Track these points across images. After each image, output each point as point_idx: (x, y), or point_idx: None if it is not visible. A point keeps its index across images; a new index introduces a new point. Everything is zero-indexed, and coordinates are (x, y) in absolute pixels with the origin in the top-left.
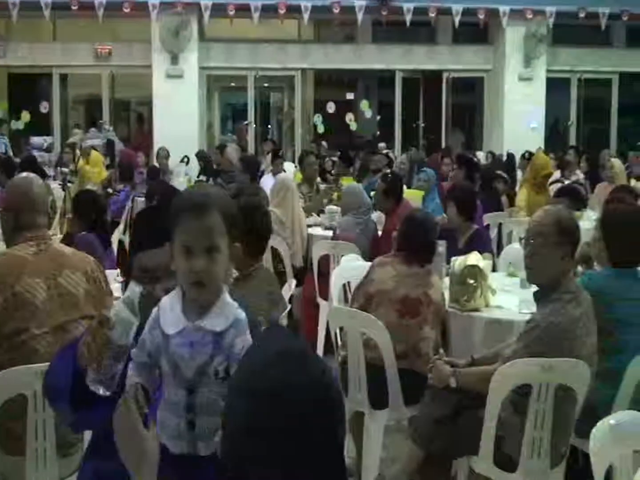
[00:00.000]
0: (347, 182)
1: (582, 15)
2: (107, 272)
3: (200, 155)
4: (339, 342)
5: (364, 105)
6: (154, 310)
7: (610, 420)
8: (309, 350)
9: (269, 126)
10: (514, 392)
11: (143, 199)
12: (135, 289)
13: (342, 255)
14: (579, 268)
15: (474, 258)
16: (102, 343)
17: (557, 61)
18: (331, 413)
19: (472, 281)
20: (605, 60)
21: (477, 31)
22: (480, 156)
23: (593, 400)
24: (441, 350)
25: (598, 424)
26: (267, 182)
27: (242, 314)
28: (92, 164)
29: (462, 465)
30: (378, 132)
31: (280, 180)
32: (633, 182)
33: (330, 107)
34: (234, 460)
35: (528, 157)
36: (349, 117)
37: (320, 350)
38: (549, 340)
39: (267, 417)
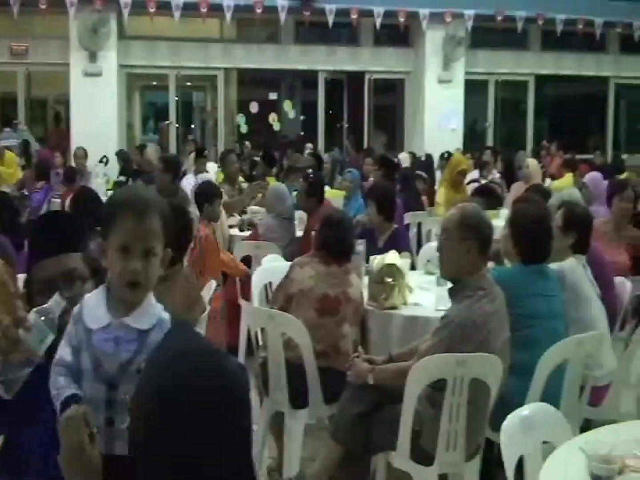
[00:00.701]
0: (272, 183)
1: (499, 18)
2: (20, 275)
3: (120, 155)
4: (260, 343)
5: (287, 105)
6: (76, 307)
7: (520, 412)
8: (212, 346)
9: (192, 126)
10: (430, 387)
11: (59, 200)
12: (58, 301)
13: (264, 256)
14: (490, 264)
15: (391, 257)
16: (12, 340)
17: (475, 64)
18: (235, 408)
19: (390, 280)
20: (521, 62)
21: (398, 33)
22: (405, 157)
23: (506, 394)
24: (360, 348)
25: (509, 416)
26: (189, 183)
27: (167, 315)
28: (6, 164)
29: (380, 460)
30: (302, 133)
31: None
32: (548, 182)
33: (254, 107)
34: (142, 455)
35: (447, 157)
36: (272, 117)
37: (242, 352)
38: (462, 335)
39: (172, 413)
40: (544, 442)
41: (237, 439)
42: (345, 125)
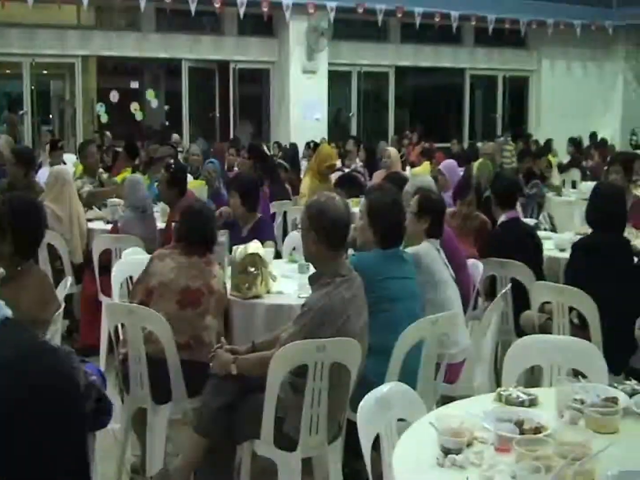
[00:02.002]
0: (128, 174)
1: (360, 10)
2: None
3: None
4: (120, 339)
5: (150, 94)
6: None
7: (376, 392)
8: (42, 346)
9: (50, 116)
10: (292, 373)
11: None
12: None
13: (125, 250)
14: (350, 250)
15: (254, 246)
16: None
17: (338, 55)
18: (65, 401)
19: (252, 269)
20: (382, 54)
21: (262, 23)
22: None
23: (367, 375)
24: (222, 339)
25: (365, 396)
26: (44, 175)
27: (9, 312)
28: None
29: (245, 450)
30: (167, 123)
31: (55, 173)
32: (408, 170)
33: (114, 96)
34: None
35: (313, 146)
36: (134, 107)
37: (103, 350)
38: (321, 322)
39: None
40: (400, 420)
41: (70, 437)
42: (217, 115)
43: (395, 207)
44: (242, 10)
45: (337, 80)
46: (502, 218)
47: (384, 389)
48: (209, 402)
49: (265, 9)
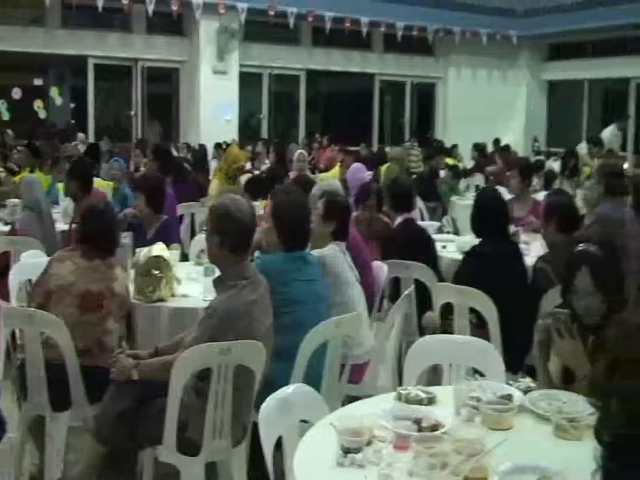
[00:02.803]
0: (26, 174)
1: (271, 13)
2: None
3: None
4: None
5: (55, 92)
6: None
7: (277, 394)
8: None
9: None
10: (196, 377)
11: None
12: None
13: (23, 252)
14: (257, 253)
15: (158, 249)
16: None
17: (249, 56)
18: None
19: (156, 272)
20: (294, 57)
21: (172, 22)
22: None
23: (273, 378)
24: (124, 343)
25: (267, 398)
26: None
27: None
28: None
29: (148, 456)
30: (73, 121)
31: None
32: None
33: (17, 93)
34: None
35: (225, 148)
36: (38, 104)
37: (1, 358)
38: (225, 324)
39: None
40: (303, 421)
41: None
42: (125, 114)
43: (300, 210)
44: (150, 8)
45: (248, 81)
46: (398, 220)
47: (286, 390)
48: (109, 408)
49: (174, 7)
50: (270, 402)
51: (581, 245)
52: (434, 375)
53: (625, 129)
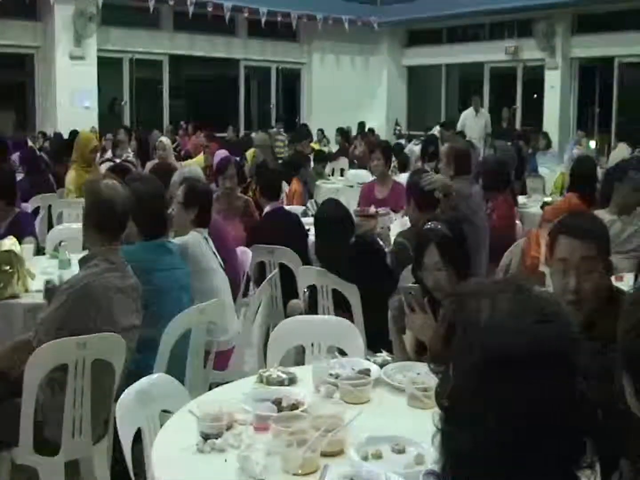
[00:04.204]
0: None
1: None
2: None
3: None
4: None
5: None
6: None
7: (135, 386)
8: None
9: None
10: (52, 373)
11: None
12: None
13: None
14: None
15: (8, 243)
16: None
17: (108, 41)
18: None
19: (7, 267)
20: (155, 42)
21: (25, 6)
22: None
23: (136, 370)
24: None
25: (125, 391)
26: None
27: None
28: None
29: (4, 458)
30: None
31: None
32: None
33: None
34: None
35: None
36: None
37: None
38: (82, 299)
39: None
40: (165, 412)
41: None
42: None
43: (155, 197)
44: None
45: (108, 67)
46: (267, 209)
47: (145, 381)
48: None
49: None
50: (128, 394)
51: (429, 223)
52: (302, 357)
53: (509, 117)
